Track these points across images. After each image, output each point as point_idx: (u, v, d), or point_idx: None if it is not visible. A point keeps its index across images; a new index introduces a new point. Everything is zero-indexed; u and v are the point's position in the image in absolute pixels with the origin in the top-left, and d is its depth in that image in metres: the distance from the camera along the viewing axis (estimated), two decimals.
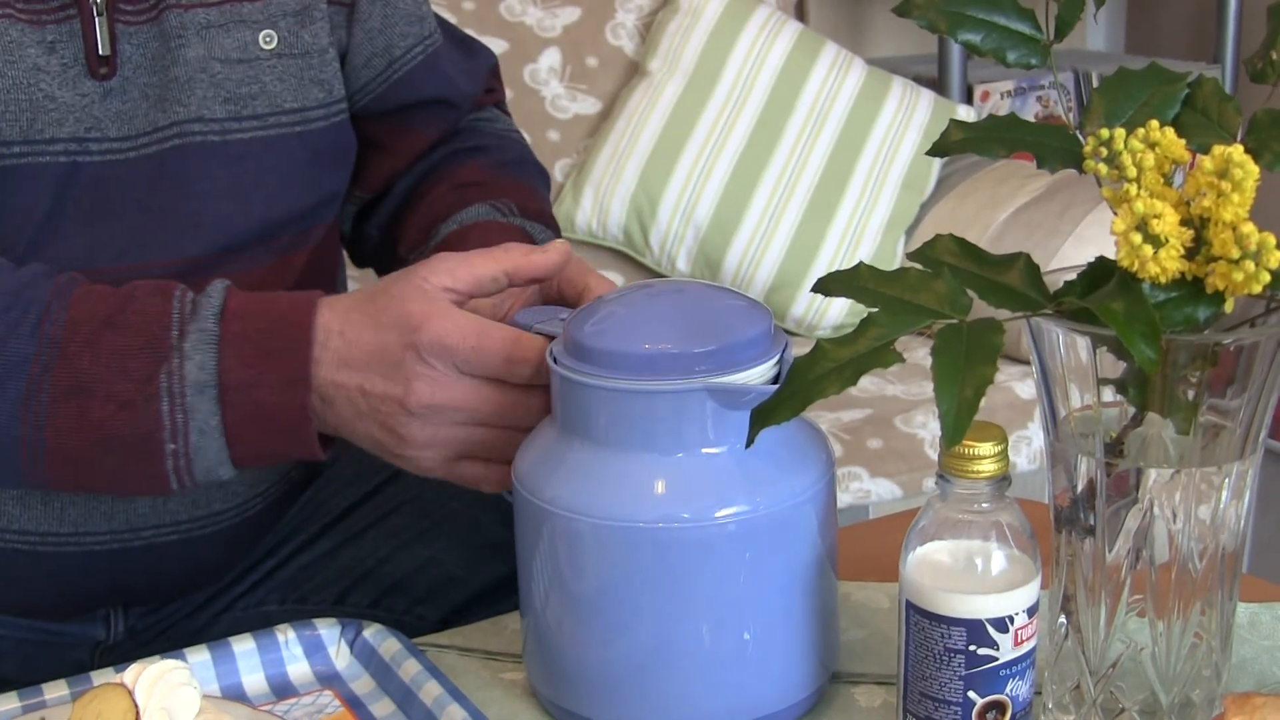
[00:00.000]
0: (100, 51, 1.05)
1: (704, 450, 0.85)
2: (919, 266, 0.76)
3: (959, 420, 0.67)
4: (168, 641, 1.23)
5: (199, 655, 0.97)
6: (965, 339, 0.70)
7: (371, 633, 0.98)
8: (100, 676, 0.95)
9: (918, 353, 2.06)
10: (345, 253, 1.32)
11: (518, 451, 0.92)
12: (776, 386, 0.82)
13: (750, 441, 0.75)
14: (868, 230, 2.30)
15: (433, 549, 1.21)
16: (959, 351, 0.69)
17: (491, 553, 1.19)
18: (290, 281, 1.14)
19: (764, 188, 2.25)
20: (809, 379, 0.70)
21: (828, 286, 0.75)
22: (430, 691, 0.90)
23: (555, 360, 0.88)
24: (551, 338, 0.92)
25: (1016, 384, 2.03)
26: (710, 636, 0.87)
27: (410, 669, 0.93)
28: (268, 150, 1.11)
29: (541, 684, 0.93)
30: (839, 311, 2.25)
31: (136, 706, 0.79)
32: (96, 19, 1.05)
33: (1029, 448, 1.93)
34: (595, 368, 0.86)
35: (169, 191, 1.08)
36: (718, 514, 0.84)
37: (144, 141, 1.07)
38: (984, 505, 0.82)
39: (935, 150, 0.81)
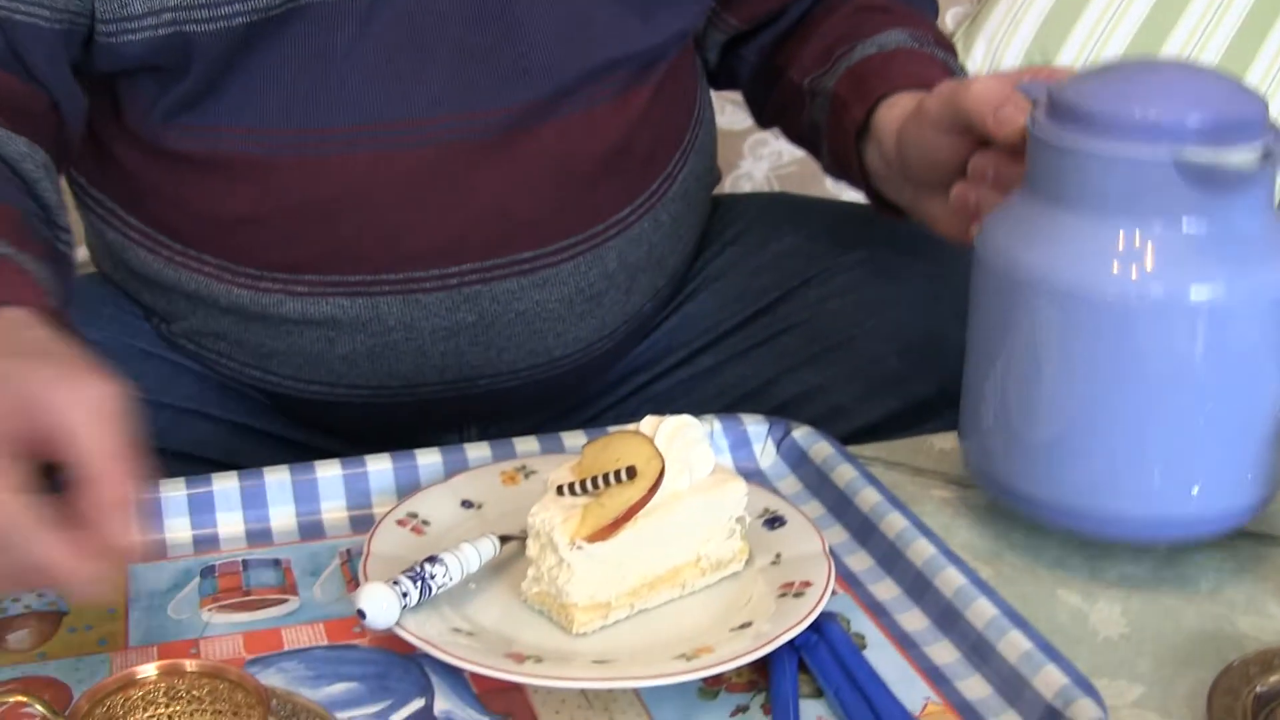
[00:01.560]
0: None
1: (1183, 227, 0.81)
2: None
3: None
4: None
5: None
6: None
7: (801, 434, 0.97)
8: (572, 438, 0.96)
9: None
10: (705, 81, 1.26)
11: (988, 215, 0.89)
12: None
13: None
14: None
15: (823, 376, 1.17)
16: None
17: (885, 386, 1.15)
18: (634, 117, 1.08)
19: (1166, 55, 2.15)
20: None
21: None
22: (868, 499, 0.89)
23: (1035, 123, 0.85)
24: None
25: None
26: (1167, 425, 0.83)
27: (845, 474, 0.91)
28: None
29: (981, 460, 0.91)
30: None
31: (660, 454, 0.77)
32: None
33: None
34: (1078, 131, 0.82)
35: (491, 34, 1.01)
36: (1191, 292, 0.80)
37: None
38: None
39: None
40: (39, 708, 0.64)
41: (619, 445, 0.78)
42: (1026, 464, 0.87)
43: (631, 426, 0.80)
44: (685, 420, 0.79)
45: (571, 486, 0.77)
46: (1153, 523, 0.85)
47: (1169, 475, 0.84)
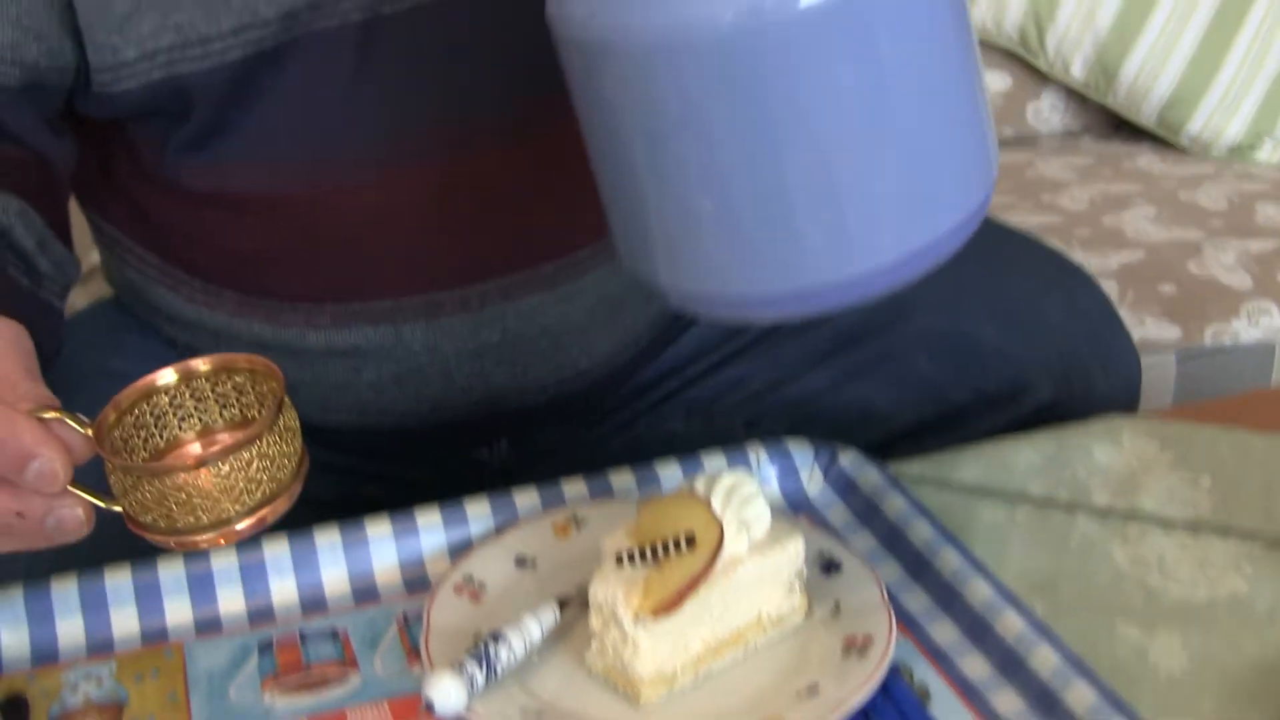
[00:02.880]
0: None
1: None
2: None
3: None
4: (561, 458, 1.21)
5: (668, 468, 0.96)
6: None
7: (848, 460, 0.96)
8: (620, 478, 0.95)
9: None
10: None
11: None
12: None
13: None
14: (1273, 48, 2.16)
15: (853, 379, 1.15)
16: None
17: (917, 390, 1.13)
18: None
19: None
20: None
21: None
22: (919, 532, 0.88)
23: None
24: None
25: None
26: (852, 153, 0.69)
27: (895, 505, 0.91)
28: None
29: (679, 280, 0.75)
30: (1238, 130, 2.13)
31: (717, 518, 0.77)
32: None
33: None
34: None
35: (488, 32, 0.98)
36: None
37: None
38: None
39: None
40: (69, 422, 0.68)
41: (674, 509, 0.78)
42: (722, 260, 0.72)
43: (684, 485, 0.80)
44: (738, 478, 0.79)
45: (630, 556, 0.77)
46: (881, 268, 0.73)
47: (881, 207, 0.71)
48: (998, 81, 2.19)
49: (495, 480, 1.21)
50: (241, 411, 0.74)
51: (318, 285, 1.04)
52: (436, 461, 1.18)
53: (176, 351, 1.13)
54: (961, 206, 0.73)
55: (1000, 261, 1.16)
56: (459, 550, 0.90)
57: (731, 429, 1.18)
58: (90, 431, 0.69)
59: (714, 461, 0.96)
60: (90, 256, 1.73)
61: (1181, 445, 1.02)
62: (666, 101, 0.68)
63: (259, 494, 0.69)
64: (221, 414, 0.74)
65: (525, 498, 0.94)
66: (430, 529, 0.91)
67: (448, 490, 1.18)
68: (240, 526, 0.69)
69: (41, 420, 0.69)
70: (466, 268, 1.04)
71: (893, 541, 0.90)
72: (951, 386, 1.12)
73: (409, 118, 0.99)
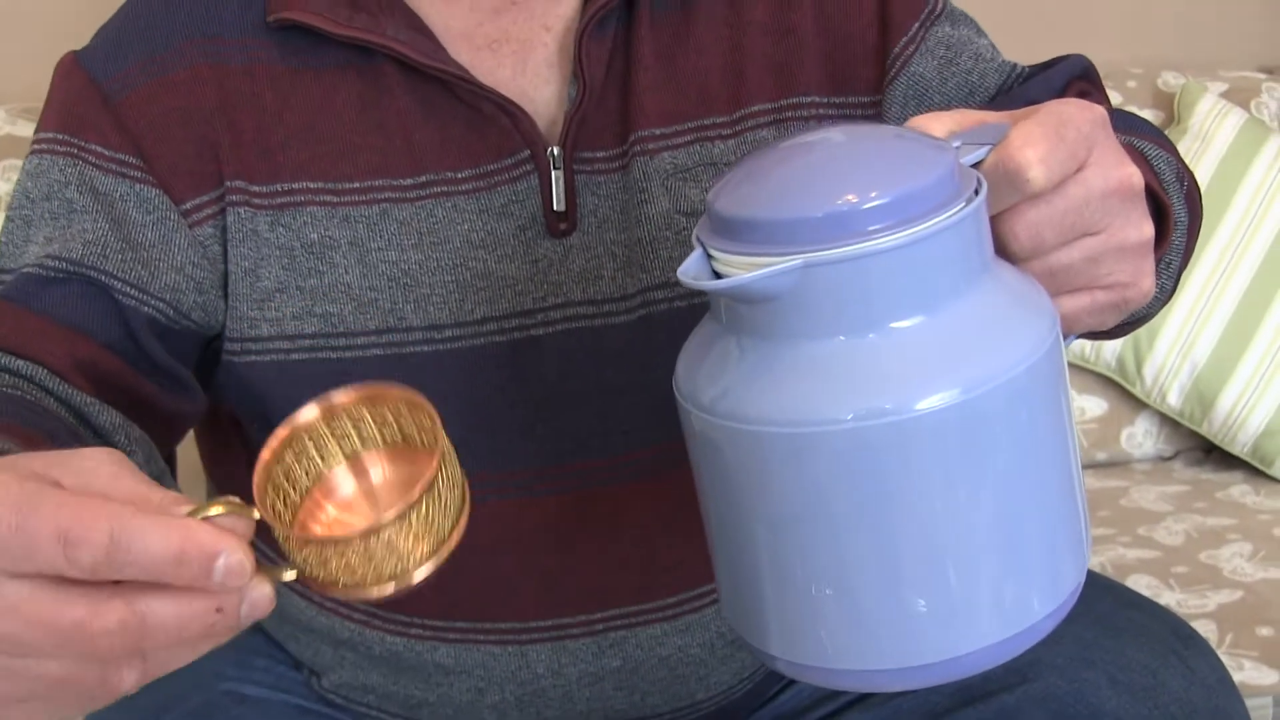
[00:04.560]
0: (555, 207, 0.98)
1: (894, 325, 0.69)
2: None
3: None
4: None
5: None
6: None
7: None
8: None
9: None
10: None
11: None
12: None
13: None
14: None
15: None
16: None
17: None
18: None
19: (1267, 329, 2.17)
20: None
21: None
22: None
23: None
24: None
25: None
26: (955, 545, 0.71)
27: None
28: None
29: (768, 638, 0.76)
30: None
31: None
32: (554, 172, 0.98)
33: None
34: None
35: (634, 369, 1.01)
36: (920, 404, 0.68)
37: (610, 309, 1.00)
38: None
39: None
40: (229, 511, 0.65)
41: None
42: (850, 640, 0.73)
43: None
44: None
45: None
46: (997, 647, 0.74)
47: (991, 593, 0.73)
48: (1094, 406, 2.22)
49: None
50: (385, 437, 0.70)
51: (447, 602, 1.06)
52: None
53: (303, 675, 1.15)
54: (1058, 594, 0.75)
55: (1121, 628, 1.17)
56: None
57: None
58: (256, 514, 0.66)
59: None
60: None
61: None
62: (785, 487, 0.71)
63: (434, 538, 0.66)
64: (363, 441, 0.71)
65: None
66: None
67: None
68: (418, 578, 0.67)
69: (207, 519, 0.65)
70: (593, 594, 1.06)
71: None
72: None
73: (546, 445, 1.02)
